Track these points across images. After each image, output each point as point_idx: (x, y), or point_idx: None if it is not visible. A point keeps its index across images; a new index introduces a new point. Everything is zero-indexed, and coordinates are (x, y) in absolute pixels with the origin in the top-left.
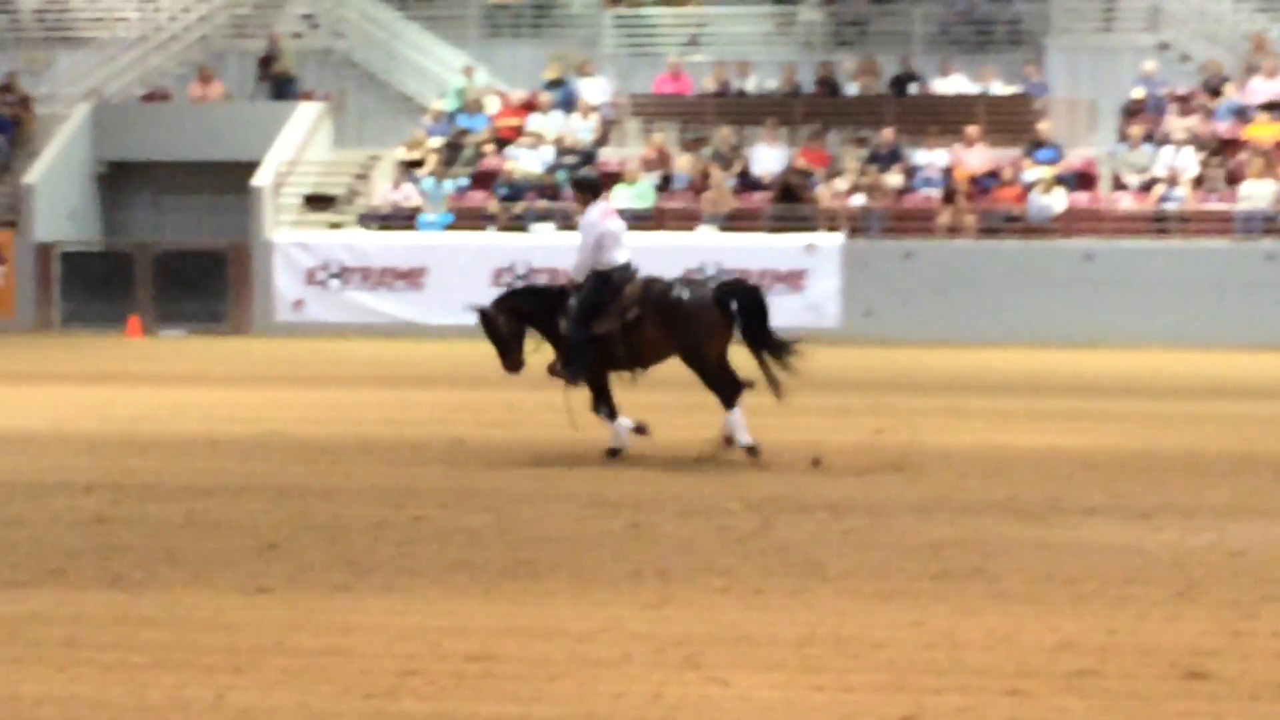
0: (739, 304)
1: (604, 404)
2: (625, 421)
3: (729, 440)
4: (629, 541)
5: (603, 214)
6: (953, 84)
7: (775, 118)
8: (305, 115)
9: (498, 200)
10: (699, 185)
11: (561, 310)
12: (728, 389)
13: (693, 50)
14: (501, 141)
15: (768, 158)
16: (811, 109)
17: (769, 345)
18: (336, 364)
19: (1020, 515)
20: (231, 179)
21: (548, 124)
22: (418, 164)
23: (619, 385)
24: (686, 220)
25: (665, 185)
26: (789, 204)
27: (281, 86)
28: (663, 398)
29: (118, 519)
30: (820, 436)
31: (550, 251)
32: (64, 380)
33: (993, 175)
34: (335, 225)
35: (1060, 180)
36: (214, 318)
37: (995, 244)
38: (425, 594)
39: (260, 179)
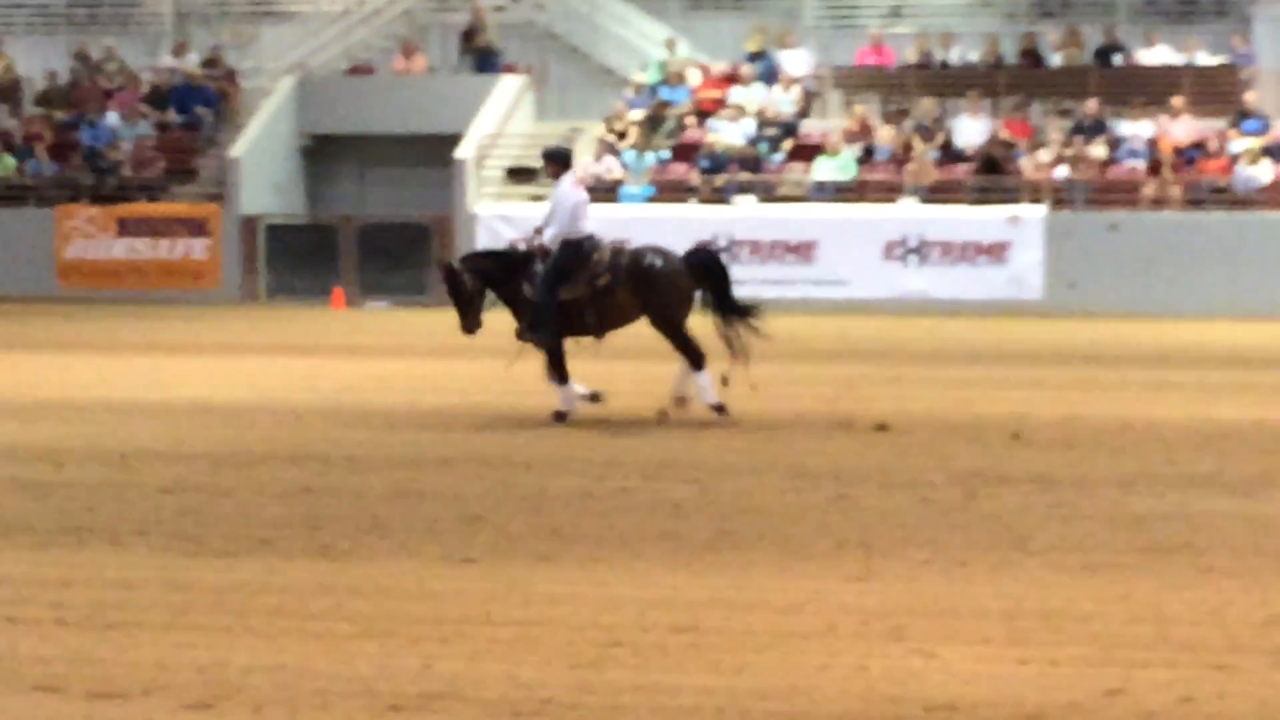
0: (705, 271)
1: (557, 369)
2: (577, 388)
3: (681, 400)
4: (832, 513)
5: (573, 185)
6: (1157, 54)
7: (978, 89)
8: (507, 88)
9: (699, 173)
10: (901, 157)
11: (525, 275)
12: (695, 351)
13: (895, 22)
14: (703, 114)
15: (970, 129)
16: (1015, 80)
17: (734, 310)
18: None
19: (1227, 489)
20: (434, 152)
21: (749, 96)
22: (619, 136)
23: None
24: (888, 192)
25: (867, 157)
26: (992, 176)
27: (484, 59)
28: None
29: (324, 489)
30: (1020, 409)
31: (752, 224)
32: (269, 352)
33: (1198, 146)
34: (537, 198)
35: (1267, 152)
36: (417, 290)
37: (1200, 216)
38: (629, 565)
39: (463, 152)
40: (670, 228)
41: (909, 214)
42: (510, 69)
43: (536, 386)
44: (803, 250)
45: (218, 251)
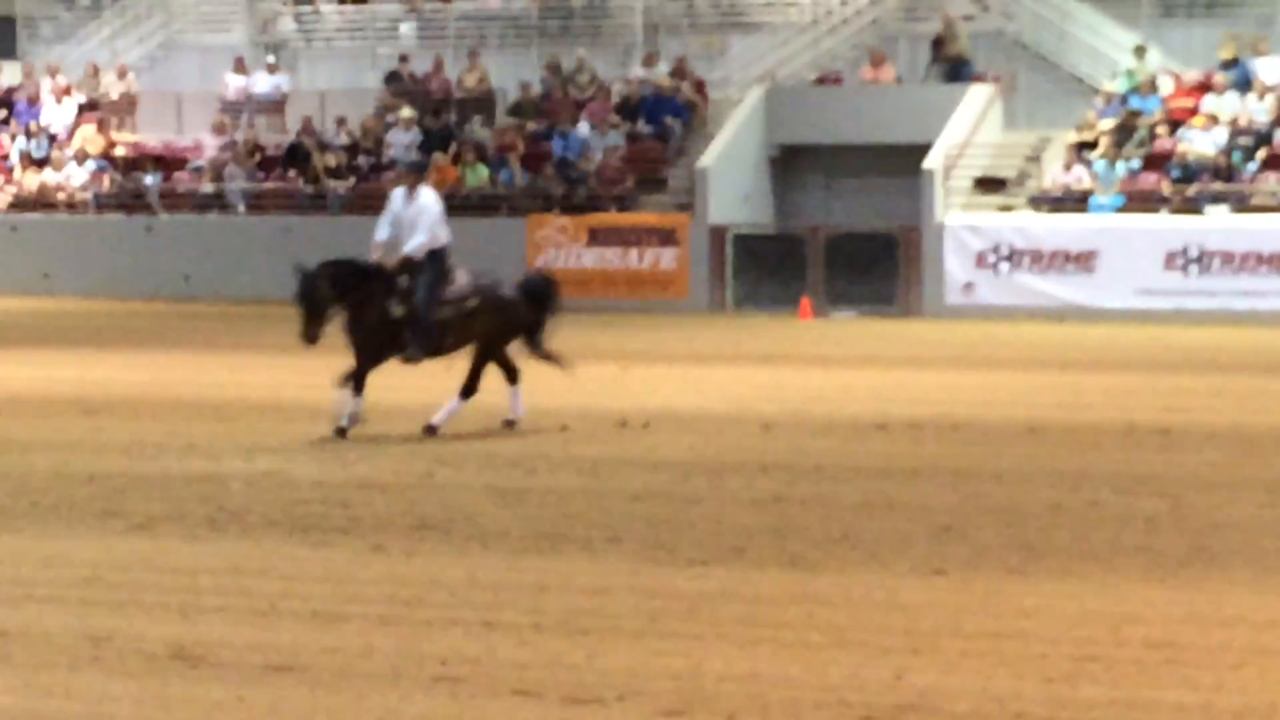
0: (544, 297)
1: (359, 382)
2: (360, 404)
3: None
4: None
5: (435, 195)
6: None
7: None
8: (976, 97)
9: (1170, 182)
10: None
11: (388, 292)
12: (513, 367)
13: None
14: (1174, 123)
15: None
16: None
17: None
18: (1006, 347)
19: None
20: (902, 162)
21: (1222, 105)
22: (1090, 146)
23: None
24: None
25: None
26: None
27: (954, 69)
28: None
29: (793, 499)
30: None
31: (1225, 234)
32: (737, 361)
33: None
34: (1006, 208)
35: None
36: (884, 300)
37: None
38: (1102, 579)
39: (931, 162)
40: (1141, 238)
41: None
42: (979, 78)
43: (999, 398)
44: (1274, 261)
45: (686, 261)
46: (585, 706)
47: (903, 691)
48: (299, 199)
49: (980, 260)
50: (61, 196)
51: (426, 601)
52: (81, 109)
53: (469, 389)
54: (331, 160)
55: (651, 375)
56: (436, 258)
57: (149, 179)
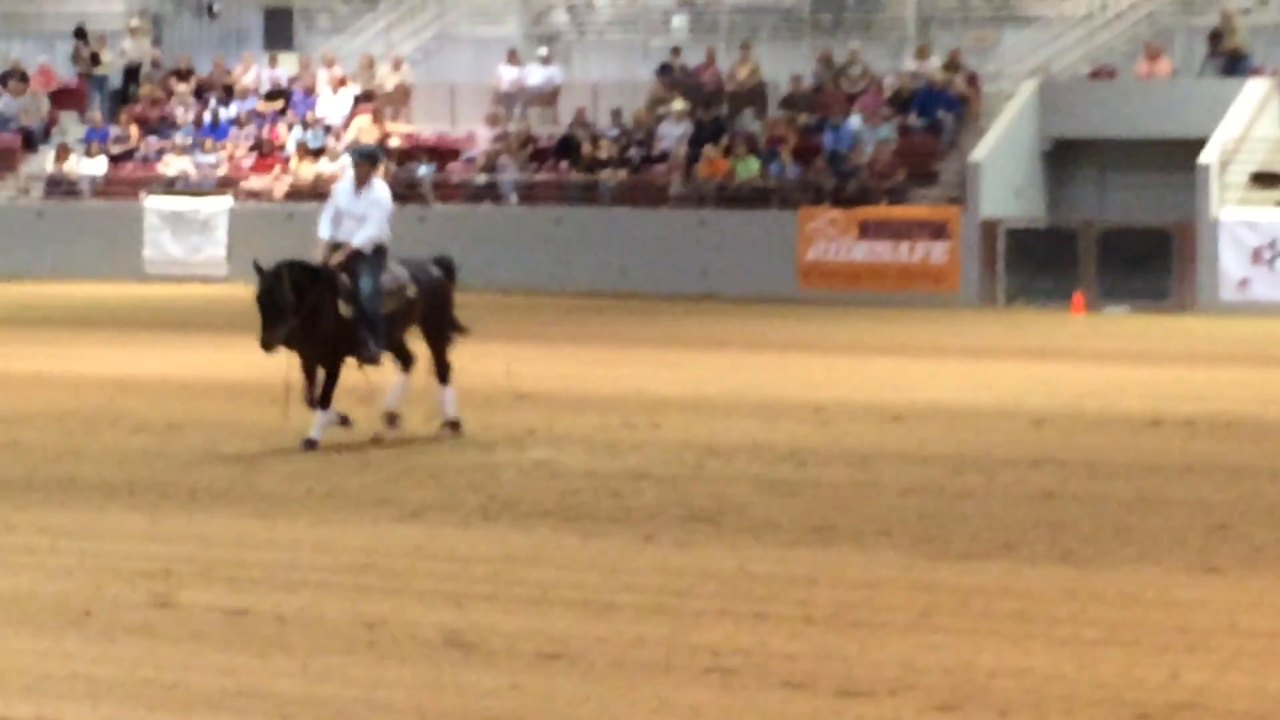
0: (453, 272)
1: (328, 392)
2: (334, 416)
3: (389, 418)
4: None
5: (387, 187)
6: None
7: None
8: (1254, 91)
9: None
10: None
11: (335, 292)
12: (446, 363)
13: None
14: None
15: None
16: None
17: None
18: None
19: None
20: (1177, 156)
21: None
22: None
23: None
24: None
25: None
26: None
27: (1231, 63)
28: None
29: (1065, 495)
30: None
31: None
32: (1008, 356)
33: None
34: None
35: None
36: (1158, 295)
37: None
38: None
39: (1206, 156)
40: None
41: None
42: (1257, 72)
43: (1275, 395)
44: None
45: (957, 255)
46: (857, 699)
47: (1178, 690)
48: (570, 190)
49: (1256, 256)
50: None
51: (697, 592)
52: (357, 100)
53: (444, 373)
54: (603, 152)
55: (922, 369)
56: (379, 252)
57: (423, 170)
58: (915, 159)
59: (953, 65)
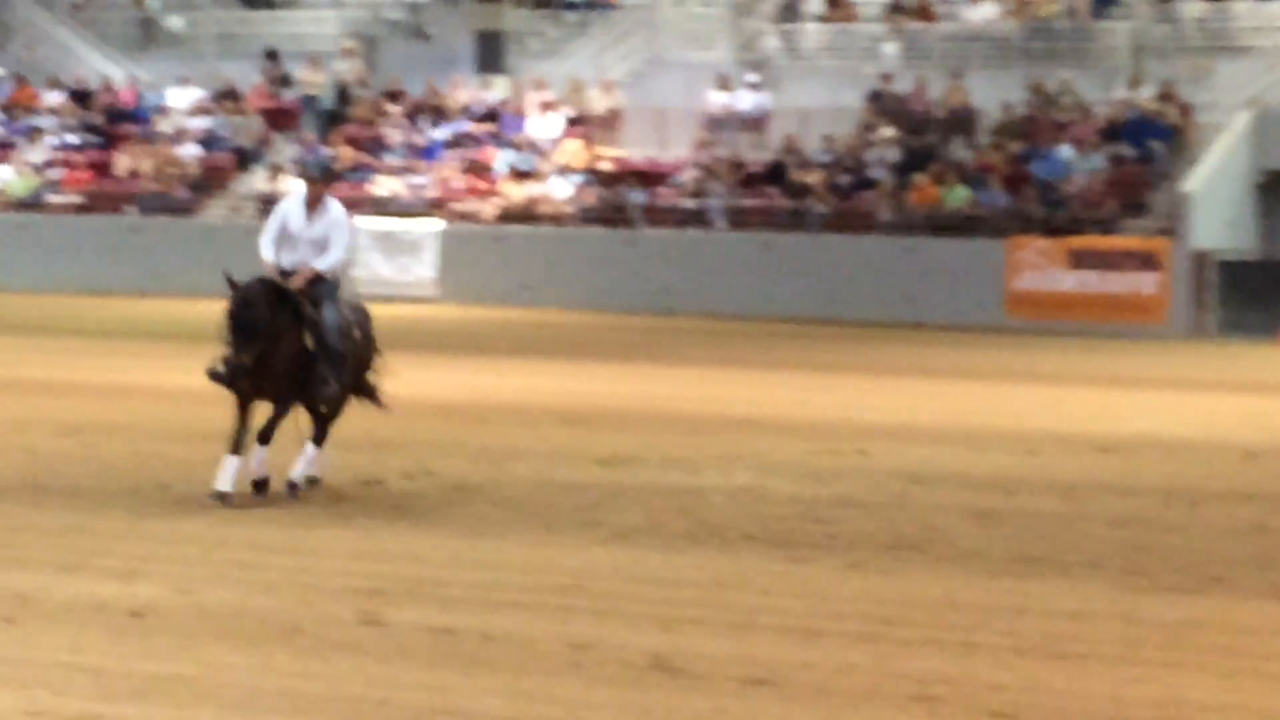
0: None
1: (272, 432)
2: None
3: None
4: None
5: (341, 205)
6: None
7: None
8: None
9: None
10: None
11: (299, 318)
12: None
13: None
14: None
15: None
16: None
17: None
18: None
19: None
20: None
21: None
22: None
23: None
24: None
25: None
26: None
27: None
28: None
29: (1276, 529)
30: None
31: None
32: (1218, 388)
33: None
34: None
35: None
36: None
37: None
38: None
39: None
40: None
41: None
42: None
43: None
44: None
45: (1167, 286)
46: None
47: None
48: (779, 216)
49: None
50: (545, 209)
51: (904, 620)
52: (567, 123)
53: (322, 434)
54: (812, 178)
55: (1130, 400)
56: (334, 283)
57: (632, 194)
58: (1126, 189)
59: (1166, 95)
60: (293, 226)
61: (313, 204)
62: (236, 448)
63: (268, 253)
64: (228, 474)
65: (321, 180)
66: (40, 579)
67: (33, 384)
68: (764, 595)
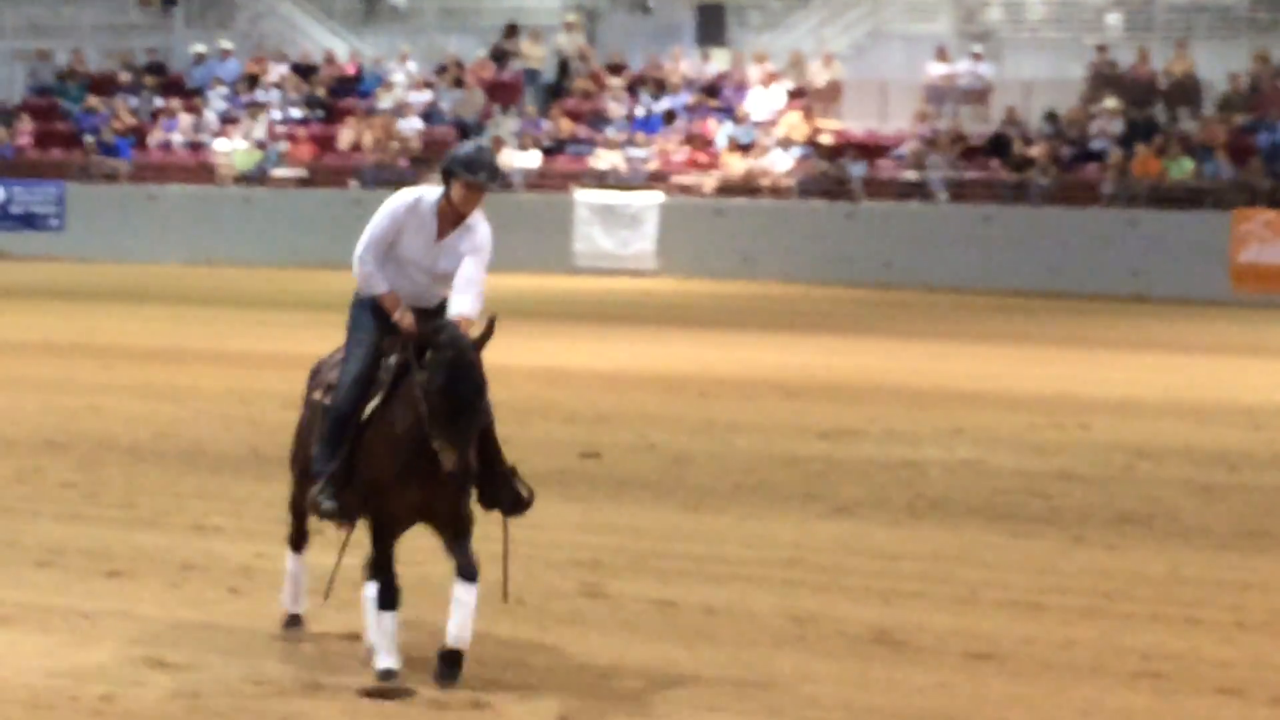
0: None
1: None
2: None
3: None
4: None
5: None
6: None
7: None
8: None
9: None
10: None
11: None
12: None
13: None
14: None
15: None
16: None
17: None
18: None
19: None
20: None
21: None
22: None
23: None
24: None
25: None
26: None
27: None
28: None
29: None
30: None
31: None
32: None
33: None
34: None
35: None
36: None
37: None
38: None
39: None
40: None
41: None
42: None
43: None
44: None
45: None
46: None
47: None
48: (1000, 189)
49: None
50: (765, 182)
51: (1128, 595)
52: (788, 96)
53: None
54: (1034, 150)
55: None
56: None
57: (852, 166)
58: None
59: None
60: (411, 245)
61: (455, 218)
62: (390, 600)
63: (375, 278)
64: (385, 647)
65: (489, 183)
66: (265, 549)
67: (257, 356)
68: (986, 569)
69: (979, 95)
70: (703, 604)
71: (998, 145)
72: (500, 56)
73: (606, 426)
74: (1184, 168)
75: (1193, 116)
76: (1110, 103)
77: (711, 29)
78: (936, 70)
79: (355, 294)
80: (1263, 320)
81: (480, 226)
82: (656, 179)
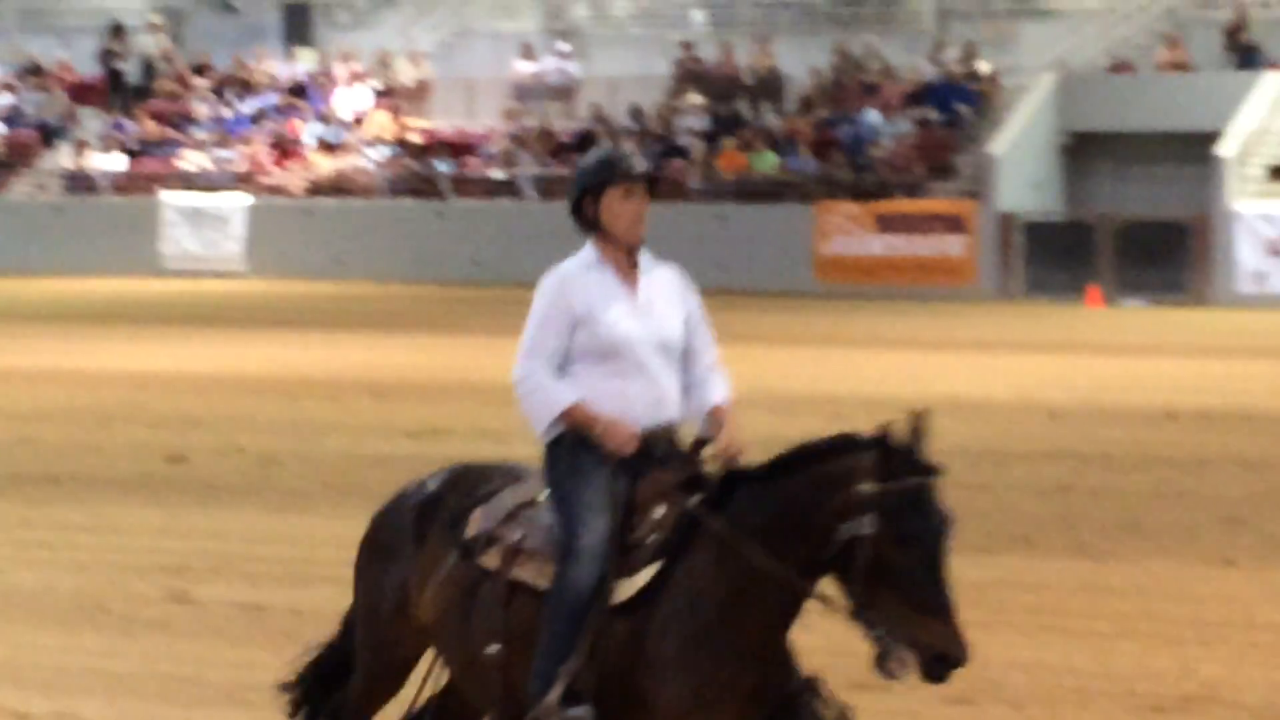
0: None
1: None
2: None
3: None
4: None
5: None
6: None
7: None
8: (1270, 85)
9: None
10: None
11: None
12: None
13: None
14: None
15: None
16: None
17: None
18: None
19: None
20: (1193, 149)
21: None
22: None
23: None
24: None
25: None
26: None
27: (1246, 56)
28: None
29: (1081, 488)
30: None
31: None
32: (1025, 349)
33: None
34: None
35: None
36: (1174, 288)
37: None
38: None
39: (1223, 149)
40: None
41: None
42: (1275, 65)
43: None
44: None
45: (975, 248)
46: (871, 694)
47: (1191, 683)
48: None
49: (1272, 249)
50: (354, 182)
51: None
52: (375, 95)
53: None
54: (623, 147)
55: (938, 362)
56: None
57: (441, 165)
58: (932, 153)
59: (970, 59)
60: (613, 316)
61: (627, 256)
62: None
63: (559, 390)
64: None
65: (645, 181)
66: None
67: None
68: None
69: (566, 92)
70: (290, 607)
71: (585, 142)
72: (108, 57)
73: (193, 430)
74: (768, 162)
75: (776, 111)
76: (695, 98)
77: (298, 28)
78: (523, 68)
79: (547, 440)
80: (846, 311)
81: (669, 270)
82: (245, 180)
